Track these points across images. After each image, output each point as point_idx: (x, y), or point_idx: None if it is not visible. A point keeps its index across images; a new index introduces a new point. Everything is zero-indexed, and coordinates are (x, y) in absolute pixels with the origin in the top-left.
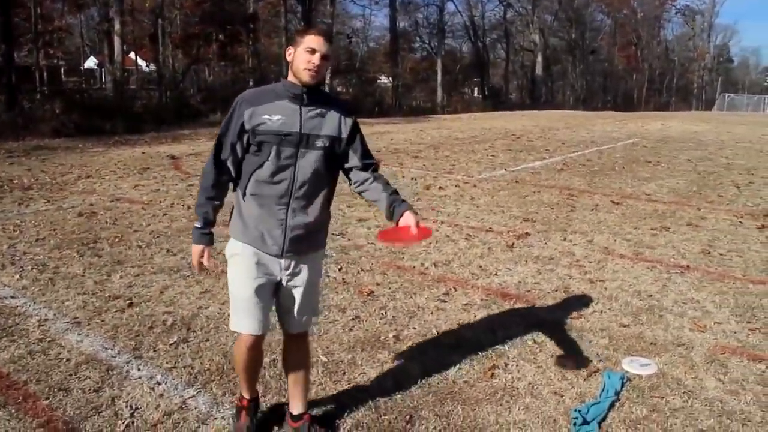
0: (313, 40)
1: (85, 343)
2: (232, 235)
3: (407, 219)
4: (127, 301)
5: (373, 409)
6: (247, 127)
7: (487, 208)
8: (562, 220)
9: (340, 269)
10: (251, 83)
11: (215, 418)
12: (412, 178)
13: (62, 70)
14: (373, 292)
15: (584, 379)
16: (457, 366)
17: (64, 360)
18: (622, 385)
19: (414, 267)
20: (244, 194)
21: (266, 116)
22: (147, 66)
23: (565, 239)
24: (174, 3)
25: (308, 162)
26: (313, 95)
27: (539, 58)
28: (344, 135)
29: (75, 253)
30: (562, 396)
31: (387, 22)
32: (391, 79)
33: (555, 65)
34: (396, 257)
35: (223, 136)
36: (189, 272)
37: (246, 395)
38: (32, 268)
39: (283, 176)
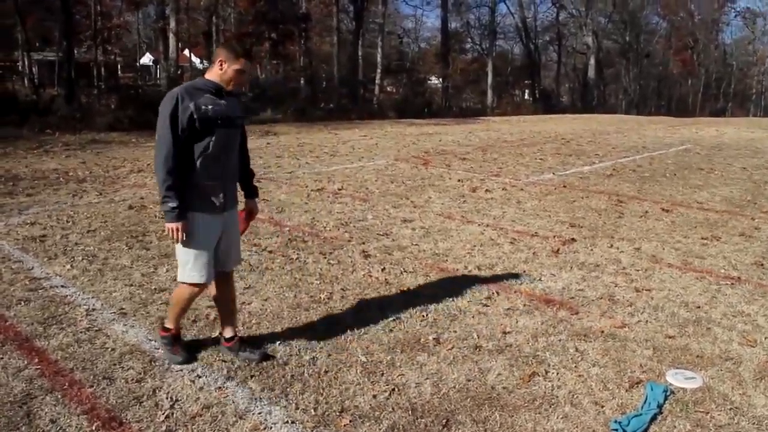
0: (244, 64)
1: (130, 334)
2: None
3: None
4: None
5: (410, 412)
6: (196, 115)
7: (534, 213)
8: (609, 226)
9: (383, 269)
10: (302, 82)
11: (253, 413)
12: (459, 180)
13: (119, 66)
14: (414, 293)
15: (626, 390)
16: (497, 371)
17: (109, 349)
18: (665, 398)
19: (457, 269)
20: (192, 172)
21: (204, 106)
22: (201, 63)
23: (611, 246)
24: (228, 1)
25: (234, 138)
26: (223, 90)
27: (592, 61)
28: (242, 115)
29: (124, 245)
30: (602, 406)
31: (438, 23)
32: (441, 79)
33: (608, 68)
34: (440, 259)
35: (174, 125)
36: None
37: (175, 326)
38: (83, 259)
39: (221, 151)
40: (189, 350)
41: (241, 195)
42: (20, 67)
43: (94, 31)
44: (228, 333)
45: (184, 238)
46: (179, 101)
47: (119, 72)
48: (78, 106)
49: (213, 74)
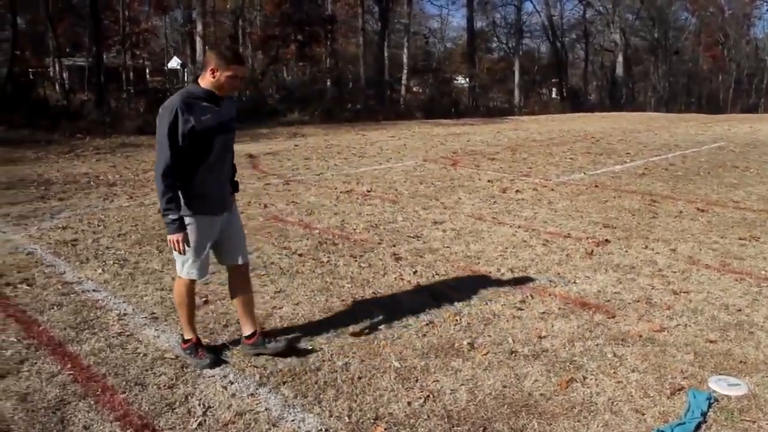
0: (239, 70)
1: (161, 339)
2: (183, 212)
3: None
4: (203, 299)
5: (446, 419)
6: (198, 128)
7: (566, 213)
8: (643, 227)
9: (414, 272)
10: (329, 83)
11: (286, 421)
12: (489, 181)
13: (147, 70)
14: (447, 296)
15: (667, 397)
16: (533, 377)
17: (141, 355)
18: (709, 406)
19: (489, 272)
20: (193, 178)
21: (203, 117)
22: None
23: (647, 247)
24: (254, 4)
25: (231, 141)
26: (218, 95)
27: (620, 59)
28: (235, 115)
29: (154, 249)
30: (643, 414)
31: (464, 22)
32: (467, 79)
33: (636, 66)
34: (471, 261)
35: (173, 138)
36: (264, 271)
37: (193, 335)
38: (114, 263)
39: (220, 156)
40: (214, 351)
41: None
42: (51, 73)
43: (123, 36)
44: (248, 330)
45: (186, 249)
46: (179, 114)
47: (147, 76)
48: (108, 111)
49: (205, 81)
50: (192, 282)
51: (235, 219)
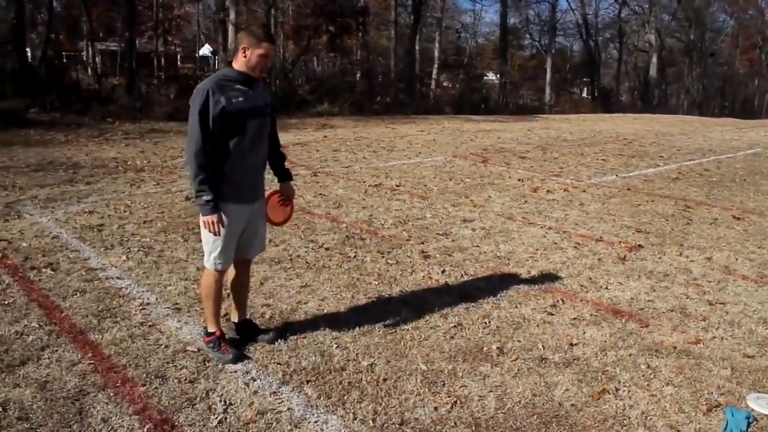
0: (267, 48)
1: (183, 331)
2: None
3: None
4: (227, 291)
5: (474, 427)
6: (228, 109)
7: (597, 216)
8: (677, 233)
9: (443, 271)
10: (359, 75)
11: (308, 422)
12: (519, 180)
13: (178, 56)
14: (476, 298)
15: (703, 414)
16: (564, 387)
17: (163, 346)
18: (748, 425)
19: (520, 274)
20: (224, 165)
21: (235, 99)
22: None
23: (681, 254)
24: None
25: (264, 126)
26: (253, 79)
27: (654, 59)
28: (270, 101)
29: (180, 237)
30: (678, 431)
31: (497, 18)
32: (498, 76)
33: (670, 67)
34: (501, 262)
35: (204, 121)
36: (290, 264)
37: (217, 328)
38: (138, 250)
39: (253, 142)
40: (237, 347)
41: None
42: (84, 57)
43: (156, 21)
44: (241, 317)
45: (221, 230)
46: (210, 96)
47: (179, 62)
48: (138, 96)
49: (238, 63)
50: (221, 274)
51: (261, 213)
